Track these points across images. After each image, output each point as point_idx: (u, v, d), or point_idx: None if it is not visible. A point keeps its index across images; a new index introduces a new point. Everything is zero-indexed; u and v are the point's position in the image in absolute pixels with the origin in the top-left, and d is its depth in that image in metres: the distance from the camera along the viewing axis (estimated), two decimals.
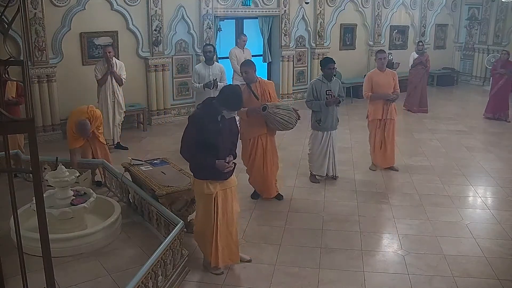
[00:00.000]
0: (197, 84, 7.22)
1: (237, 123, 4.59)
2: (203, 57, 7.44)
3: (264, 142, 5.79)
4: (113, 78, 7.68)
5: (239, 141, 5.94)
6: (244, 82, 5.74)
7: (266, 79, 7.09)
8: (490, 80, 13.87)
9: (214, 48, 8.08)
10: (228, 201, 4.23)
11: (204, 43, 9.19)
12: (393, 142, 7.08)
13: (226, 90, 4.17)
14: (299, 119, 5.73)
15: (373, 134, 7.05)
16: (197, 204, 4.33)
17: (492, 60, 13.56)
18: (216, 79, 7.14)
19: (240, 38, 9.55)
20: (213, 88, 7.08)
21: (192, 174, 4.24)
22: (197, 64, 8.63)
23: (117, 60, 7.86)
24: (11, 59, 2.49)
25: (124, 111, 8.14)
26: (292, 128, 5.78)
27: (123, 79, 7.82)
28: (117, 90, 7.81)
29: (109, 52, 7.60)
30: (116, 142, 8.04)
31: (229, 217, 4.24)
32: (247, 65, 5.73)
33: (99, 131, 6.18)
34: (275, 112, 5.55)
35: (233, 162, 4.18)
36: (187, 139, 4.09)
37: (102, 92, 7.74)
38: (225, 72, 7.48)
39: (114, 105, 7.83)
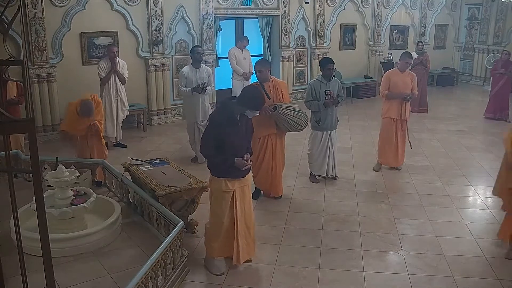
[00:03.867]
0: (185, 88, 7.04)
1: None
2: (191, 58, 7.14)
3: (274, 142, 5.80)
4: (116, 76, 7.81)
5: None
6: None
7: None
8: (490, 80, 13.95)
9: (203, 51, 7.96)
10: (246, 198, 4.31)
11: (195, 45, 9.03)
12: (404, 143, 7.05)
13: (247, 92, 4.28)
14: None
15: (384, 132, 7.02)
16: (212, 202, 4.34)
17: (492, 60, 13.56)
18: (205, 82, 6.98)
19: (242, 41, 9.52)
20: (201, 92, 6.95)
21: (210, 171, 4.27)
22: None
23: (120, 59, 7.95)
24: (11, 59, 2.49)
25: (128, 109, 8.26)
26: (302, 130, 5.83)
27: (126, 78, 7.96)
28: (120, 88, 7.94)
29: (114, 52, 7.74)
30: (118, 140, 8.16)
31: (247, 213, 4.32)
32: (261, 64, 5.70)
33: (101, 124, 6.15)
34: (284, 112, 5.56)
35: (250, 160, 4.24)
36: (206, 138, 4.20)
37: (105, 90, 7.85)
38: (212, 75, 7.34)
39: (118, 103, 7.97)
